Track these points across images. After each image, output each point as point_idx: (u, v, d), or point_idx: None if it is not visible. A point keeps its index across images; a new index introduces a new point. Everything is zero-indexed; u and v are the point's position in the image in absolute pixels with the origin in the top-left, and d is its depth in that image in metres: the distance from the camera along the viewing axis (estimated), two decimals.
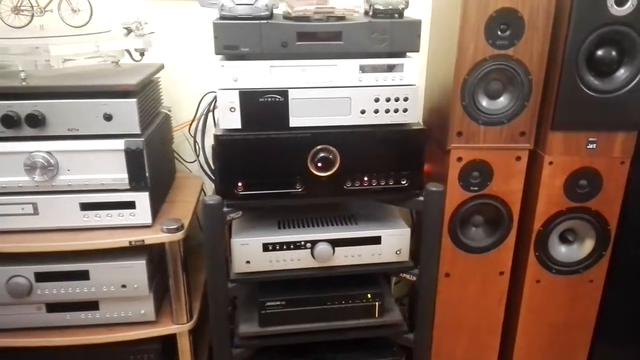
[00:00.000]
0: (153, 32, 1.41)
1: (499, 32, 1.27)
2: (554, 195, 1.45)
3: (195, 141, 1.70)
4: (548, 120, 1.38)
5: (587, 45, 1.28)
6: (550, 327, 1.61)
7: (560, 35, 1.30)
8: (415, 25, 1.13)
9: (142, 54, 1.44)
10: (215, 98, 1.62)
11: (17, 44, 1.22)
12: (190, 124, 1.72)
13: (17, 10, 1.33)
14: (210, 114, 1.63)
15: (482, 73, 1.31)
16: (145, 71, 1.35)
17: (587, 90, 1.33)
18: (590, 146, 1.40)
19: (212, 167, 1.66)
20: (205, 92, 1.68)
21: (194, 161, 1.77)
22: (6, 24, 1.34)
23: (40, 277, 1.25)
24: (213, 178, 1.67)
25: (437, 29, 1.49)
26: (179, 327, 1.38)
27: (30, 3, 1.33)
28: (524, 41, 1.29)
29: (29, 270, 1.25)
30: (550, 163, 1.41)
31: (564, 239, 1.54)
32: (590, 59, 1.31)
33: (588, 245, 1.53)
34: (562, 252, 1.54)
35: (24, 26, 1.34)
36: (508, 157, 1.41)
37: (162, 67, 1.52)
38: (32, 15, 1.34)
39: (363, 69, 1.15)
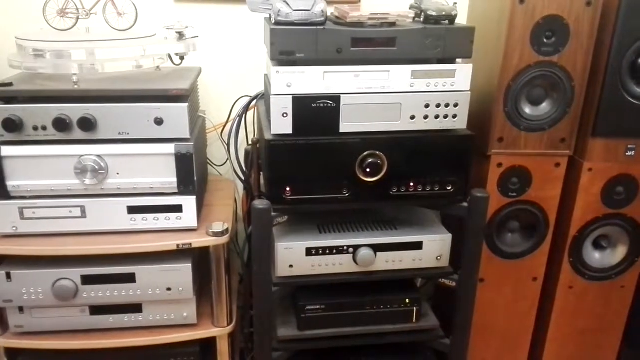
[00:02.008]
0: (197, 36, 1.42)
1: (545, 39, 1.29)
2: (591, 202, 1.46)
3: (228, 144, 1.70)
4: (589, 127, 1.39)
5: (631, 54, 1.30)
6: (580, 332, 1.62)
7: (604, 42, 1.31)
8: (469, 31, 1.14)
9: (182, 58, 1.45)
10: (249, 102, 1.63)
11: (63, 47, 1.22)
12: (223, 128, 1.73)
13: (62, 12, 1.34)
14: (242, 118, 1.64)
15: (527, 79, 1.32)
16: (190, 75, 1.36)
17: (629, 98, 1.34)
18: (629, 153, 1.41)
19: (245, 170, 1.66)
20: (237, 96, 1.68)
21: (223, 164, 1.78)
22: (51, 26, 1.34)
23: (87, 280, 1.26)
24: (244, 181, 1.67)
25: (477, 34, 1.50)
26: (219, 330, 1.38)
27: (76, 6, 1.34)
28: (568, 48, 1.30)
29: (75, 274, 1.25)
30: (590, 170, 1.42)
31: (597, 245, 1.54)
32: (633, 67, 1.32)
33: (621, 251, 1.54)
34: (595, 258, 1.55)
35: (69, 29, 1.34)
36: (547, 164, 1.42)
37: (200, 71, 1.53)
38: (77, 18, 1.34)
39: (415, 74, 1.16)
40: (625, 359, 1.69)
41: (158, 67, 1.40)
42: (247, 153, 1.63)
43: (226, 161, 1.74)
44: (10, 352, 1.34)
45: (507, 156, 1.41)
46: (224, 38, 1.68)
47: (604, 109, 1.35)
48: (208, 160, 1.77)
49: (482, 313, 1.58)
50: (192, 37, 1.41)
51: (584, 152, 1.42)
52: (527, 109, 1.37)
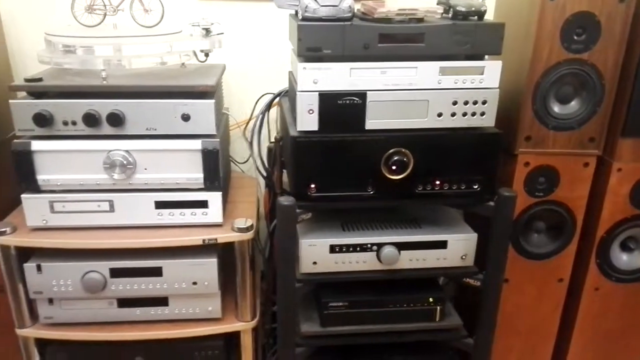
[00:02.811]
0: (222, 33, 1.42)
1: (575, 36, 1.27)
2: (619, 203, 1.43)
3: (251, 141, 1.71)
4: (618, 126, 1.36)
5: None
6: (605, 334, 1.60)
7: (636, 40, 1.29)
8: (499, 28, 1.13)
9: (206, 55, 1.46)
10: (272, 100, 1.64)
11: (91, 43, 1.24)
12: (246, 125, 1.73)
13: (90, 9, 1.36)
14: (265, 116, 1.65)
15: (556, 77, 1.30)
16: (215, 72, 1.37)
17: None
18: None
19: (267, 167, 1.67)
20: (260, 93, 1.69)
21: (245, 161, 1.79)
22: (79, 22, 1.36)
23: (115, 273, 1.28)
24: (266, 177, 1.68)
25: (505, 31, 1.49)
26: (243, 324, 1.39)
27: (103, 2, 1.35)
28: (599, 45, 1.27)
29: (104, 266, 1.27)
30: (619, 170, 1.39)
31: (625, 247, 1.52)
32: None
33: None
34: (623, 260, 1.52)
35: (96, 25, 1.36)
36: (576, 163, 1.40)
37: (225, 68, 1.54)
38: (105, 15, 1.36)
39: (443, 71, 1.15)
40: None
41: (183, 63, 1.41)
42: (269, 150, 1.64)
43: (248, 158, 1.75)
44: (40, 342, 1.37)
45: (535, 155, 1.39)
46: (248, 35, 1.69)
47: (634, 108, 1.32)
48: (230, 157, 1.78)
49: (506, 313, 1.56)
50: (218, 34, 1.42)
51: (613, 152, 1.39)
52: (556, 108, 1.35)
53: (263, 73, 1.72)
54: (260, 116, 1.66)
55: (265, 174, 1.69)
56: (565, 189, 1.42)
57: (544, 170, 1.40)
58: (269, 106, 1.65)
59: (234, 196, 1.56)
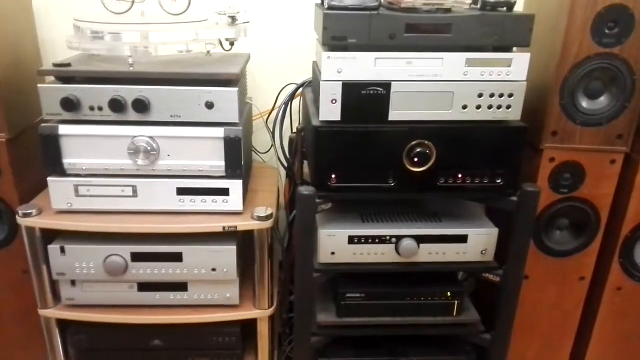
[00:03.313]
0: (248, 22, 1.42)
1: (607, 30, 1.24)
2: None
3: (273, 131, 1.71)
4: None
5: None
6: (627, 336, 1.57)
7: None
8: (528, 19, 1.11)
9: (232, 44, 1.46)
10: (295, 90, 1.64)
11: (119, 30, 1.25)
12: (269, 115, 1.74)
13: None
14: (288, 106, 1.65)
15: (585, 72, 1.27)
16: (240, 61, 1.37)
17: None
18: None
19: (289, 157, 1.67)
20: (284, 84, 1.69)
21: (267, 151, 1.79)
22: (107, 9, 1.37)
23: (136, 257, 1.29)
24: (288, 168, 1.68)
25: (535, 23, 1.47)
26: (261, 312, 1.40)
27: None
28: (632, 40, 1.24)
29: (125, 250, 1.29)
30: None
31: None
32: None
33: None
34: None
35: (124, 12, 1.37)
36: (602, 160, 1.38)
37: (249, 57, 1.54)
38: (133, 2, 1.37)
39: (470, 62, 1.13)
40: None
41: (209, 52, 1.41)
42: (291, 141, 1.64)
43: (270, 148, 1.76)
44: (61, 323, 1.40)
45: (561, 151, 1.37)
46: (273, 25, 1.68)
47: None
48: (252, 147, 1.79)
49: (525, 310, 1.54)
50: (244, 23, 1.42)
51: None
52: (584, 103, 1.32)
53: (287, 63, 1.72)
54: (283, 106, 1.66)
55: (286, 164, 1.69)
56: (591, 186, 1.40)
57: (569, 166, 1.38)
58: (292, 96, 1.65)
59: (254, 185, 1.56)
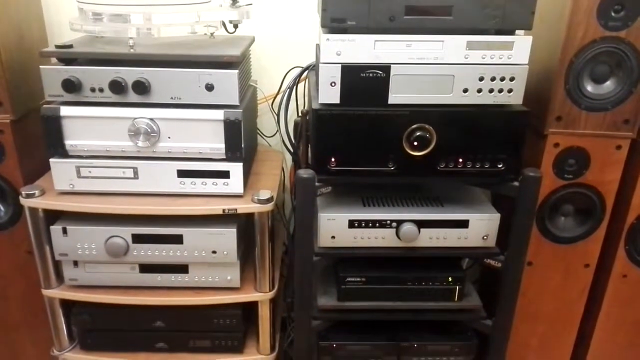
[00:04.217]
0: (251, 4, 1.42)
1: (613, 13, 1.21)
2: None
3: (278, 115, 1.71)
4: None
5: None
6: (632, 323, 1.56)
7: None
8: (530, 2, 1.09)
9: (235, 26, 1.45)
10: (300, 73, 1.62)
11: (120, 11, 1.25)
12: (274, 98, 1.73)
13: None
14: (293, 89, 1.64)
15: (591, 55, 1.25)
16: (242, 43, 1.37)
17: None
18: None
19: (294, 141, 1.67)
20: (289, 67, 1.68)
21: (273, 135, 1.79)
22: None
23: (137, 238, 1.31)
24: (293, 152, 1.68)
25: (538, 5, 1.44)
26: (261, 295, 1.41)
27: None
28: (638, 23, 1.21)
29: (126, 232, 1.30)
30: None
31: None
32: None
33: None
34: None
35: None
36: (608, 146, 1.35)
37: (253, 39, 1.54)
38: None
39: (471, 45, 1.12)
40: None
41: (212, 34, 1.41)
42: (296, 124, 1.63)
43: (276, 132, 1.75)
44: (65, 303, 1.42)
45: (565, 136, 1.35)
46: (279, 7, 1.67)
47: None
48: (258, 131, 1.78)
49: (529, 297, 1.54)
50: (247, 5, 1.41)
51: None
52: (590, 87, 1.30)
53: (293, 46, 1.71)
54: (288, 90, 1.65)
55: (291, 148, 1.69)
56: (596, 172, 1.38)
57: (574, 151, 1.36)
58: (297, 80, 1.64)
59: (258, 168, 1.57)
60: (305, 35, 1.69)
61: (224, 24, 1.44)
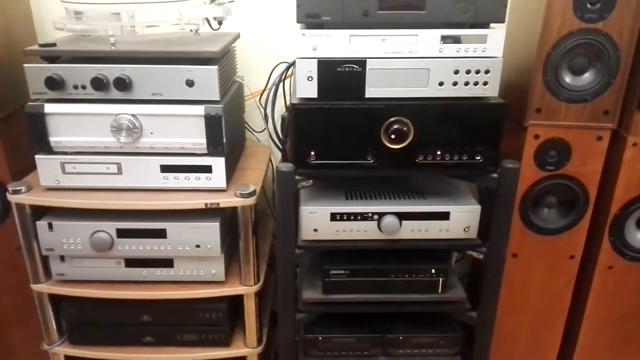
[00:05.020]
0: (233, 1, 1.43)
1: (589, 5, 1.22)
2: (635, 179, 1.39)
3: (265, 111, 1.72)
4: (635, 99, 1.32)
5: None
6: (619, 315, 1.56)
7: None
8: None
9: (220, 23, 1.47)
10: (287, 68, 1.64)
11: (106, 9, 1.26)
12: (261, 94, 1.74)
13: None
14: (281, 85, 1.65)
15: (568, 47, 1.26)
16: (224, 39, 1.38)
17: None
18: None
19: (281, 136, 1.68)
20: (277, 63, 1.69)
21: (262, 130, 1.80)
22: None
23: (122, 233, 1.32)
24: (281, 147, 1.69)
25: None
26: (246, 288, 1.42)
27: None
28: (614, 15, 1.22)
29: (111, 227, 1.32)
30: (634, 144, 1.35)
31: None
32: None
33: None
34: (638, 238, 1.48)
35: None
36: (588, 137, 1.36)
37: (238, 36, 1.55)
38: None
39: (445, 39, 1.13)
40: None
41: (196, 31, 1.42)
42: (283, 119, 1.65)
43: (265, 128, 1.77)
44: (54, 298, 1.44)
45: (545, 128, 1.36)
46: (265, 4, 1.68)
47: None
48: (248, 127, 1.80)
49: (515, 289, 1.55)
50: (228, 2, 1.43)
51: (628, 125, 1.34)
52: (568, 79, 1.31)
53: (280, 42, 1.72)
54: (275, 86, 1.66)
55: (279, 143, 1.70)
56: (577, 163, 1.39)
57: (554, 143, 1.37)
58: (283, 75, 1.66)
59: (245, 163, 1.58)
60: (291, 30, 1.70)
61: (208, 21, 1.45)
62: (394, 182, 1.44)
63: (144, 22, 1.29)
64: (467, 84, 1.17)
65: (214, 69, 1.23)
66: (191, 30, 1.40)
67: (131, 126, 1.25)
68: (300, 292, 1.42)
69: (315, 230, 1.32)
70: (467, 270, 1.78)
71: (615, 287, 1.53)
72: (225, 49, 1.33)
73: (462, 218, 1.32)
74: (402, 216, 1.30)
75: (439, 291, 1.40)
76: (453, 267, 1.66)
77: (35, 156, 1.29)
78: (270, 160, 1.74)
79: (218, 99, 1.26)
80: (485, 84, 1.17)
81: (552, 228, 1.48)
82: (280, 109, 1.72)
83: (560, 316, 1.61)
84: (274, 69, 1.70)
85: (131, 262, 1.37)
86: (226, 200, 1.30)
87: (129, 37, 1.31)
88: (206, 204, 1.28)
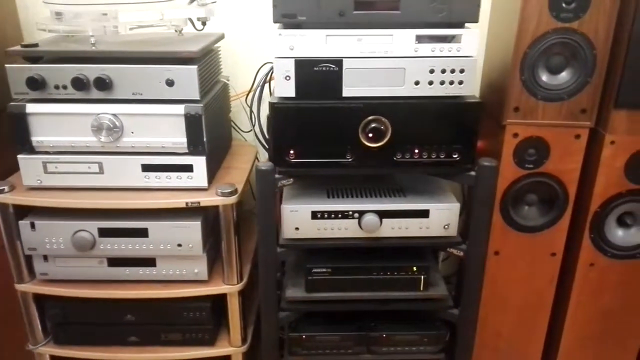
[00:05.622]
0: (215, 2, 1.44)
1: (564, 4, 1.23)
2: (613, 176, 1.40)
3: (251, 111, 1.73)
4: (612, 97, 1.33)
5: None
6: (602, 312, 1.57)
7: (628, 8, 1.24)
8: None
9: (204, 23, 1.48)
10: (272, 68, 1.65)
11: (87, 10, 1.28)
12: (247, 94, 1.75)
13: None
14: (267, 85, 1.66)
15: (544, 46, 1.27)
16: (206, 40, 1.39)
17: None
18: None
19: (267, 136, 1.69)
20: (262, 63, 1.70)
21: (249, 130, 1.81)
22: None
23: (103, 232, 1.33)
24: (267, 147, 1.70)
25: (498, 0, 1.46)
26: (229, 287, 1.43)
27: None
28: (589, 14, 1.24)
29: (93, 226, 1.33)
30: (612, 142, 1.36)
31: (621, 222, 1.48)
32: None
33: None
34: (619, 235, 1.49)
35: None
36: (567, 135, 1.38)
37: (222, 36, 1.56)
38: None
39: (420, 39, 1.14)
40: None
41: (180, 31, 1.44)
42: (268, 119, 1.65)
43: (253, 128, 1.77)
44: (38, 297, 1.44)
45: (524, 126, 1.37)
46: (251, 5, 1.69)
47: (627, 79, 1.28)
48: (235, 126, 1.81)
49: (498, 286, 1.56)
50: (211, 2, 1.44)
51: (606, 124, 1.36)
52: (545, 78, 1.32)
53: (266, 43, 1.73)
54: (261, 86, 1.67)
55: (265, 143, 1.71)
56: (556, 161, 1.40)
57: (533, 141, 1.38)
58: (268, 75, 1.66)
59: (230, 162, 1.59)
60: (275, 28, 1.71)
61: (191, 21, 1.46)
62: (377, 180, 1.45)
63: (126, 22, 1.30)
64: (442, 83, 1.18)
65: (193, 68, 1.24)
66: (176, 31, 1.41)
67: (112, 126, 1.26)
68: (283, 291, 1.43)
69: (297, 228, 1.33)
70: (455, 269, 1.79)
71: (597, 283, 1.54)
72: (206, 48, 1.34)
73: (441, 216, 1.33)
74: (383, 214, 1.31)
75: (421, 289, 1.41)
76: (438, 265, 1.67)
77: (18, 156, 1.30)
78: (257, 159, 1.74)
79: (198, 98, 1.27)
80: (460, 83, 1.19)
81: (533, 226, 1.49)
82: (266, 109, 1.72)
83: (543, 313, 1.62)
84: (259, 69, 1.71)
85: (114, 262, 1.38)
86: (207, 199, 1.31)
87: (113, 37, 1.33)
88: (187, 203, 1.29)
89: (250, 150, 1.73)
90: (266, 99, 1.66)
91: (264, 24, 1.72)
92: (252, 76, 1.72)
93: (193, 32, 1.49)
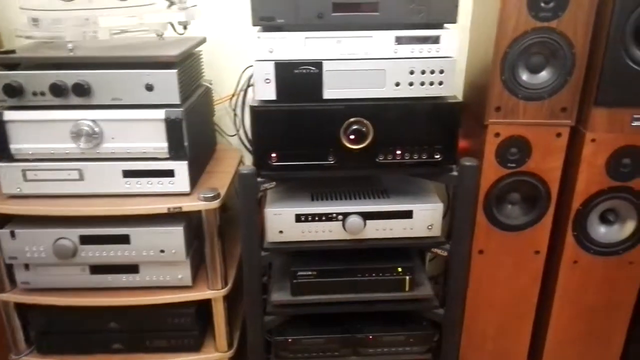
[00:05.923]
0: (195, 5, 1.43)
1: (543, 4, 1.24)
2: (595, 174, 1.41)
3: (235, 114, 1.73)
4: (591, 95, 1.34)
5: (634, 18, 1.23)
6: (586, 309, 1.58)
7: (606, 7, 1.25)
8: None
9: (185, 27, 1.47)
10: None
11: (67, 15, 1.26)
12: (231, 98, 1.75)
13: None
14: (250, 88, 1.65)
15: (524, 46, 1.28)
16: (187, 43, 1.38)
17: (633, 65, 1.28)
18: (635, 123, 1.35)
19: (251, 140, 1.69)
20: (246, 66, 1.69)
21: (234, 134, 1.80)
22: None
23: (85, 240, 1.32)
24: (251, 151, 1.70)
25: (475, 0, 1.46)
26: (214, 292, 1.42)
27: None
28: (568, 13, 1.25)
29: (74, 233, 1.32)
30: (593, 140, 1.37)
31: (604, 219, 1.50)
32: (637, 32, 1.25)
33: (629, 226, 1.49)
34: (601, 232, 1.50)
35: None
36: (548, 134, 1.38)
37: (203, 40, 1.55)
38: None
39: (399, 40, 1.14)
40: (635, 338, 1.64)
41: (161, 35, 1.43)
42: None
43: (237, 131, 1.77)
44: (20, 306, 1.43)
45: (505, 125, 1.37)
46: (231, 8, 1.69)
47: (606, 77, 1.30)
48: (219, 130, 1.80)
49: (483, 285, 1.56)
50: (191, 6, 1.43)
51: (586, 122, 1.37)
52: (526, 77, 1.33)
53: (246, 46, 1.72)
54: (244, 89, 1.67)
55: (249, 146, 1.71)
56: (538, 160, 1.41)
57: (515, 140, 1.39)
58: (251, 79, 1.66)
59: (214, 167, 1.58)
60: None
61: (172, 26, 1.45)
62: (361, 182, 1.45)
63: (106, 27, 1.29)
64: (422, 84, 1.19)
65: (173, 72, 1.23)
66: (159, 36, 1.40)
67: (91, 132, 1.25)
68: (269, 295, 1.43)
69: (281, 232, 1.32)
70: (441, 270, 1.80)
71: (581, 281, 1.55)
72: (187, 52, 1.33)
73: (425, 216, 1.33)
74: (366, 216, 1.31)
75: (407, 289, 1.41)
76: (425, 265, 1.67)
77: None
78: (242, 163, 1.74)
79: (179, 102, 1.26)
80: (440, 83, 1.19)
81: (516, 224, 1.50)
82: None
83: (528, 311, 1.63)
84: (242, 72, 1.71)
85: (96, 269, 1.37)
86: (189, 205, 1.30)
87: (91, 43, 1.31)
88: (169, 209, 1.28)
89: (235, 154, 1.72)
90: (249, 102, 1.67)
91: (246, 27, 1.71)
92: (236, 80, 1.72)
93: (174, 37, 1.48)
